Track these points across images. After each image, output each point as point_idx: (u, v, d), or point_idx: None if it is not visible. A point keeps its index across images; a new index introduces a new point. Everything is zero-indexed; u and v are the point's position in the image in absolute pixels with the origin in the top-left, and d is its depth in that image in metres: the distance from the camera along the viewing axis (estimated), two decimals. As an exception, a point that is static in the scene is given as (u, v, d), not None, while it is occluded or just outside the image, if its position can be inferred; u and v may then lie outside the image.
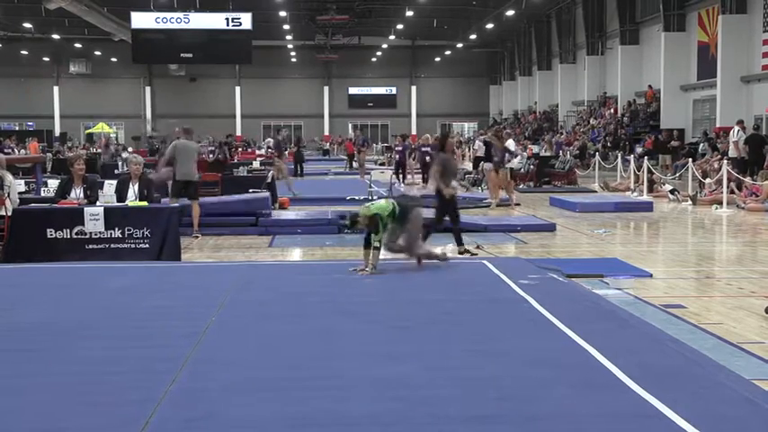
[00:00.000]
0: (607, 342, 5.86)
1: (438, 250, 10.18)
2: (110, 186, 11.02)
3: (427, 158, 22.92)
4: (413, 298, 7.74)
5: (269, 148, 31.39)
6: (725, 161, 18.74)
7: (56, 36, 52.92)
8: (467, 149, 38.98)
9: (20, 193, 12.73)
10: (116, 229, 10.43)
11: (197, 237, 12.95)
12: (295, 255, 11.87)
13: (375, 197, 17.55)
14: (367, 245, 9.14)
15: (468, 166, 28.56)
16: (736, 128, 23.33)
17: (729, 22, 27.62)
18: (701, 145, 27.02)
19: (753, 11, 27.34)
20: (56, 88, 60.31)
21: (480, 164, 20.62)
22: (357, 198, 18.50)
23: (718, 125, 27.62)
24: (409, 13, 45.70)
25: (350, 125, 60.08)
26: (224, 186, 18.08)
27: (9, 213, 10.59)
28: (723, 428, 4.26)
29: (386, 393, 4.79)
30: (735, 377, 5.24)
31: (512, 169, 21.71)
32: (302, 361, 5.51)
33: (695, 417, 4.31)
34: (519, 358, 5.55)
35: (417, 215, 9.43)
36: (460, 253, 10.90)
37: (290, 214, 15.47)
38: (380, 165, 29.30)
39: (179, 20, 27.78)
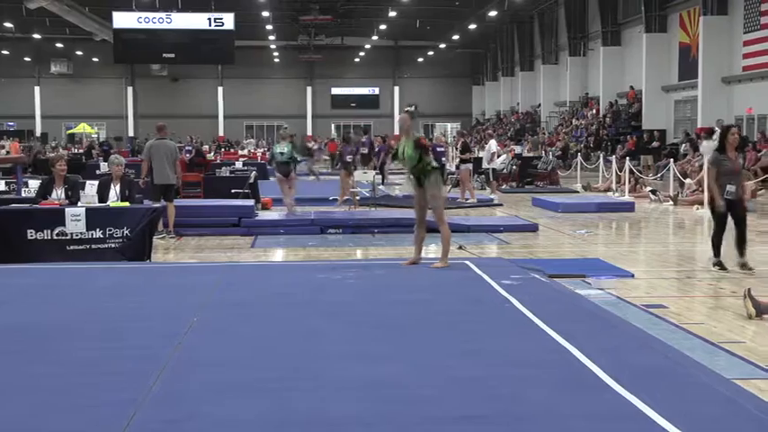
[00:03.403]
0: (589, 342, 5.87)
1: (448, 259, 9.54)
2: (91, 187, 10.96)
3: (443, 159, 22.87)
4: (396, 298, 7.72)
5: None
6: (706, 161, 18.84)
7: (37, 36, 52.62)
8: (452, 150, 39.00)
9: (0, 192, 12.66)
10: (97, 229, 10.38)
11: (174, 237, 12.92)
12: (277, 255, 11.85)
13: (358, 196, 17.67)
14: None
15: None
16: (718, 129, 23.49)
17: (710, 24, 27.81)
18: (683, 145, 27.18)
19: (733, 12, 27.53)
20: (37, 88, 59.98)
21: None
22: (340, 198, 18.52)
23: (699, 126, 27.81)
24: (392, 14, 45.74)
25: (333, 125, 60.10)
26: (206, 187, 18.02)
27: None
28: (704, 428, 4.27)
29: (369, 394, 4.78)
30: (716, 377, 5.26)
31: (494, 170, 21.82)
32: (285, 361, 5.49)
33: (677, 416, 4.32)
34: (501, 358, 5.55)
35: (438, 184, 9.29)
36: (740, 265, 9.67)
37: (273, 215, 15.46)
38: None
39: (161, 20, 27.72)
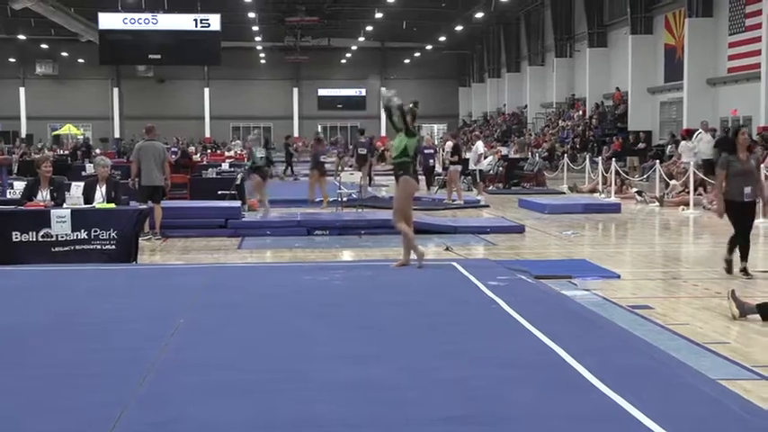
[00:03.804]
0: (575, 343, 5.90)
1: (420, 248, 9.70)
2: (77, 188, 10.91)
3: (431, 162, 22.83)
4: (382, 300, 7.73)
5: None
6: (691, 163, 18.96)
7: (22, 37, 52.43)
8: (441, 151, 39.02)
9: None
10: (83, 231, 10.33)
11: (160, 239, 12.90)
12: (264, 257, 11.84)
13: (345, 198, 17.67)
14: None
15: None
16: (701, 130, 23.72)
17: (695, 25, 27.95)
18: (668, 147, 27.31)
19: (718, 14, 27.70)
20: (22, 89, 59.75)
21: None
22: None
23: (684, 127, 27.94)
24: (378, 15, 45.76)
25: (319, 127, 60.04)
26: (192, 188, 17.97)
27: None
28: (690, 428, 4.30)
29: (356, 395, 4.79)
30: (701, 377, 5.30)
31: (481, 171, 21.87)
32: (271, 363, 5.50)
33: (662, 417, 4.34)
34: (488, 359, 5.57)
35: (406, 182, 9.34)
36: (741, 270, 9.33)
37: (260, 216, 15.42)
38: (349, 166, 29.40)
39: (147, 21, 27.61)
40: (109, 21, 28.25)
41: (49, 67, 58.76)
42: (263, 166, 15.51)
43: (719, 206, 9.43)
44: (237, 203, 15.09)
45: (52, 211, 10.38)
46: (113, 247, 10.37)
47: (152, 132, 13.58)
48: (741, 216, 9.34)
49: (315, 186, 18.33)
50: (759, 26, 24.71)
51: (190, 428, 4.30)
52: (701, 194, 18.07)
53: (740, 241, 9.38)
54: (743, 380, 5.44)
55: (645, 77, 32.39)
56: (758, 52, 24.72)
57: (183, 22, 28.05)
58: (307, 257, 11.43)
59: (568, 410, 4.53)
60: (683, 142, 22.99)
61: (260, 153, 15.66)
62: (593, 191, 22.66)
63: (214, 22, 27.91)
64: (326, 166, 19.22)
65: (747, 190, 9.23)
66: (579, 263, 10.50)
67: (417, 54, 59.59)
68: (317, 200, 17.88)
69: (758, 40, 24.76)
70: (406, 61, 61.16)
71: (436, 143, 35.33)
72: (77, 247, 10.30)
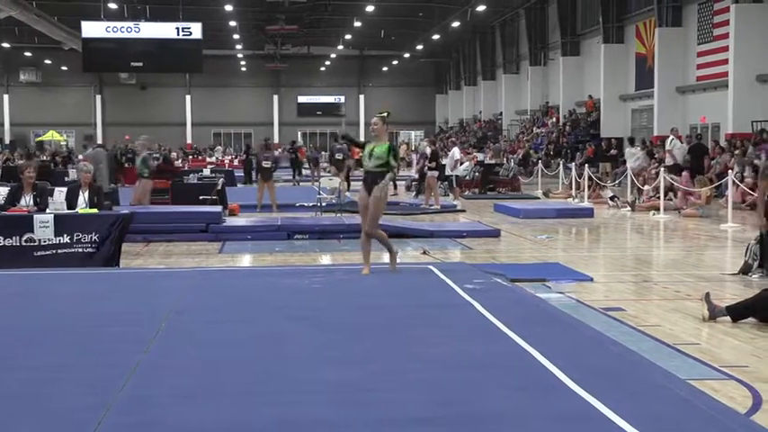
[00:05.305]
0: (549, 344, 5.96)
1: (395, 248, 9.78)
2: (60, 194, 10.98)
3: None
4: (360, 303, 7.82)
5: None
6: (662, 169, 19.27)
7: (5, 45, 52.23)
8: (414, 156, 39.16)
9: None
10: (65, 235, 10.40)
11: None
12: (245, 261, 11.92)
13: (324, 203, 17.84)
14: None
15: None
16: (672, 136, 24.14)
17: (665, 35, 28.37)
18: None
19: (687, 24, 28.15)
20: (6, 96, 59.54)
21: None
22: (306, 204, 18.68)
23: (655, 134, 28.34)
24: (357, 24, 45.94)
25: (299, 133, 60.14)
26: (174, 194, 18.04)
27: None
28: (660, 427, 4.37)
29: (333, 397, 4.83)
30: (671, 377, 5.37)
31: (457, 176, 22.08)
32: (251, 366, 5.54)
33: (634, 417, 4.40)
34: (463, 361, 5.63)
35: (385, 188, 9.36)
36: None
37: (241, 221, 15.51)
38: (329, 171, 29.56)
39: (129, 29, 27.56)
40: (92, 29, 28.13)
41: (33, 74, 58.63)
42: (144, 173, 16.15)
43: (759, 219, 9.07)
44: (218, 208, 15.18)
45: (35, 216, 10.44)
46: (96, 251, 10.46)
47: (92, 140, 14.02)
48: None
49: (274, 192, 18.55)
50: (726, 36, 25.11)
51: (171, 431, 4.33)
52: (670, 200, 18.35)
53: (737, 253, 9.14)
54: (711, 380, 5.52)
55: (616, 85, 32.80)
56: (725, 61, 25.11)
57: (164, 30, 27.99)
58: (287, 261, 11.51)
59: (542, 411, 4.58)
60: (627, 148, 23.48)
61: (139, 160, 16.30)
62: (567, 196, 22.93)
63: (195, 30, 27.88)
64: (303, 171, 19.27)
65: None
66: (553, 266, 10.59)
67: (395, 62, 59.81)
68: (309, 206, 18.04)
69: (725, 49, 25.17)
70: (385, 69, 61.35)
71: (415, 150, 35.49)
72: (60, 251, 10.37)
